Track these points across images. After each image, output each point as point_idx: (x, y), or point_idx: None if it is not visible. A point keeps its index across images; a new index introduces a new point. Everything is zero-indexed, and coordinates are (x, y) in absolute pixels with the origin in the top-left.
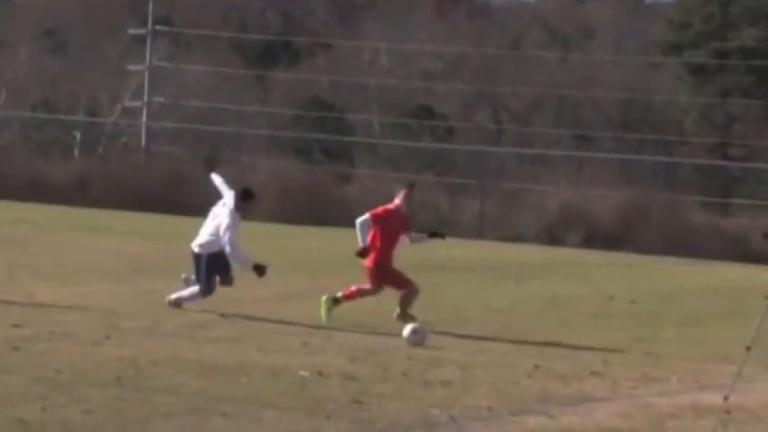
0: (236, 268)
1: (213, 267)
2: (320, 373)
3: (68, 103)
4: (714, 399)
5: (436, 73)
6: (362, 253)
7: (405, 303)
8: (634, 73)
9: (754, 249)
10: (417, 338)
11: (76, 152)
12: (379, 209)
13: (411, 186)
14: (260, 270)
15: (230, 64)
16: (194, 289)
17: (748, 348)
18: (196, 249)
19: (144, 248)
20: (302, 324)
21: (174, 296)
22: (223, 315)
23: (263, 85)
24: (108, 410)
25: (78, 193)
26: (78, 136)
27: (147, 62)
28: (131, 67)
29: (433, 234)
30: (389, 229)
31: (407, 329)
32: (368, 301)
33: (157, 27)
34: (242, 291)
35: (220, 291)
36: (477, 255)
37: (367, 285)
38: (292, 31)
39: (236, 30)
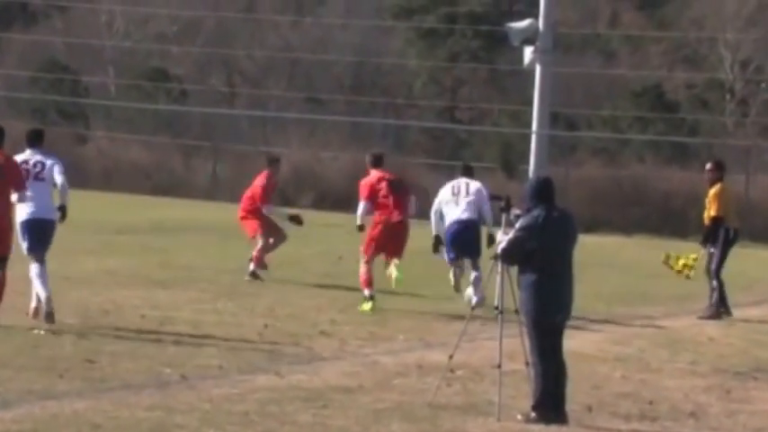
0: None
1: None
2: (54, 333)
3: None
4: (439, 357)
5: (171, 36)
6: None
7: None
8: (366, 37)
9: None
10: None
11: None
12: None
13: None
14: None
15: None
16: None
17: (473, 308)
18: None
19: None
20: None
21: None
22: None
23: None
24: None
25: None
26: None
27: None
28: None
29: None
30: None
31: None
32: (104, 261)
33: None
34: None
35: None
36: (208, 216)
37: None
38: None
39: None
